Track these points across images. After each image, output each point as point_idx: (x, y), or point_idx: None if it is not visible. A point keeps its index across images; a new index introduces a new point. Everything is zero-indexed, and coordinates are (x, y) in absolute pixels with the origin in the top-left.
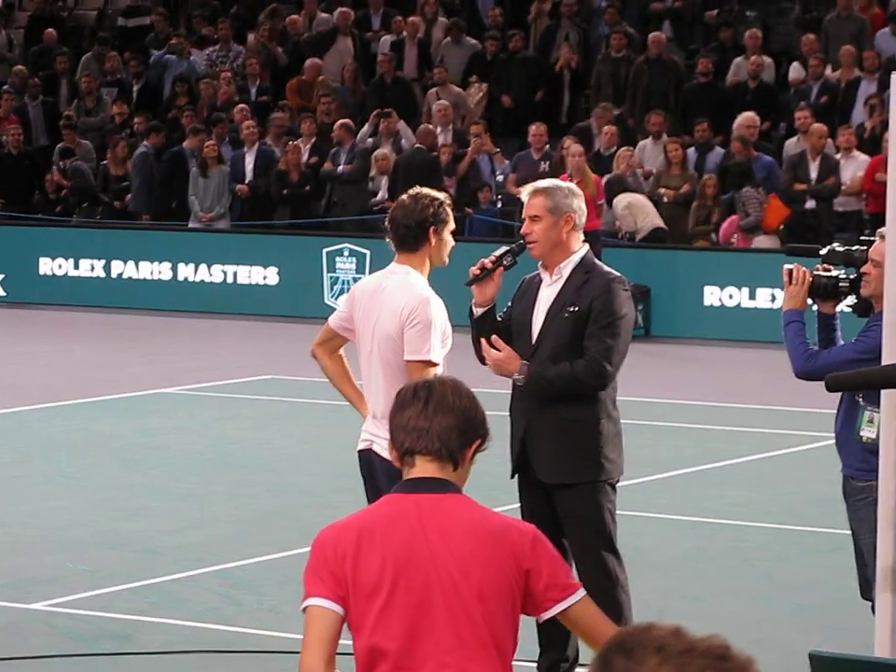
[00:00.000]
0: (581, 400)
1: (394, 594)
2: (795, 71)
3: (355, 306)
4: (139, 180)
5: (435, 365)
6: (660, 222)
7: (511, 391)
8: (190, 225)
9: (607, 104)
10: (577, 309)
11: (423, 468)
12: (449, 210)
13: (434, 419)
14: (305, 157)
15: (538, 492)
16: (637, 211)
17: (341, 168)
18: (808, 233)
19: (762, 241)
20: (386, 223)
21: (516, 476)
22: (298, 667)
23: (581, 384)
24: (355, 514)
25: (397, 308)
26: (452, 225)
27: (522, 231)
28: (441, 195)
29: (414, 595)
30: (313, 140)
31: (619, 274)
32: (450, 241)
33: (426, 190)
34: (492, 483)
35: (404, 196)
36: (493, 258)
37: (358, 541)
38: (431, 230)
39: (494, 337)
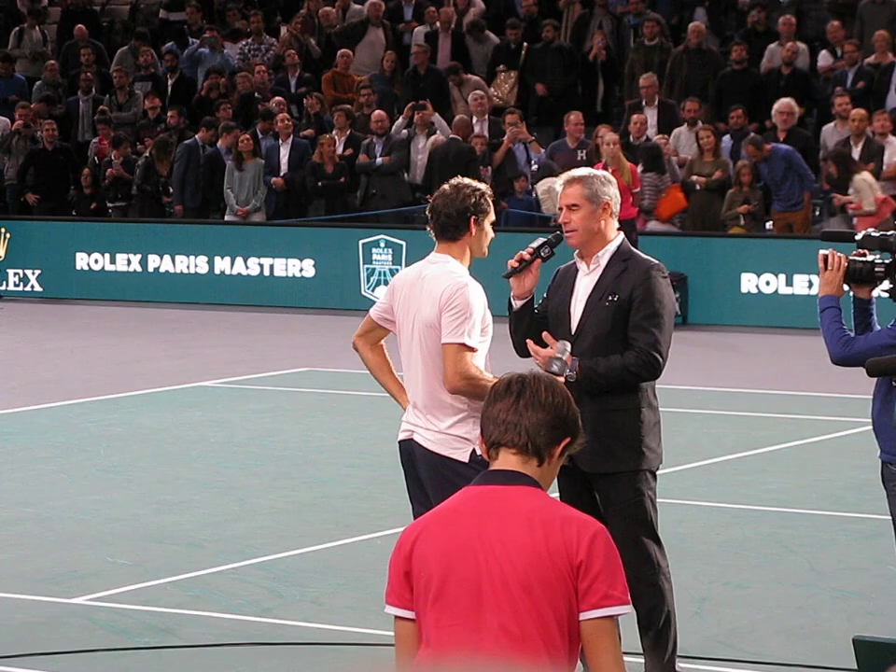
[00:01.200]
0: (624, 390)
1: (446, 584)
2: (824, 58)
3: (395, 297)
4: (183, 174)
5: (471, 350)
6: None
7: None
8: (227, 218)
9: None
10: (617, 298)
11: (505, 460)
12: (490, 201)
13: (524, 413)
14: (340, 149)
15: (578, 481)
16: (556, 195)
17: (379, 160)
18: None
19: (654, 226)
20: (427, 212)
21: None
22: None
23: (634, 376)
24: (431, 510)
25: (436, 295)
26: (493, 216)
27: (560, 221)
28: (483, 186)
29: (464, 585)
30: (347, 132)
31: (657, 262)
32: (490, 232)
33: (467, 180)
34: None
35: (446, 185)
36: (530, 249)
37: (420, 535)
38: (472, 219)
39: (544, 333)
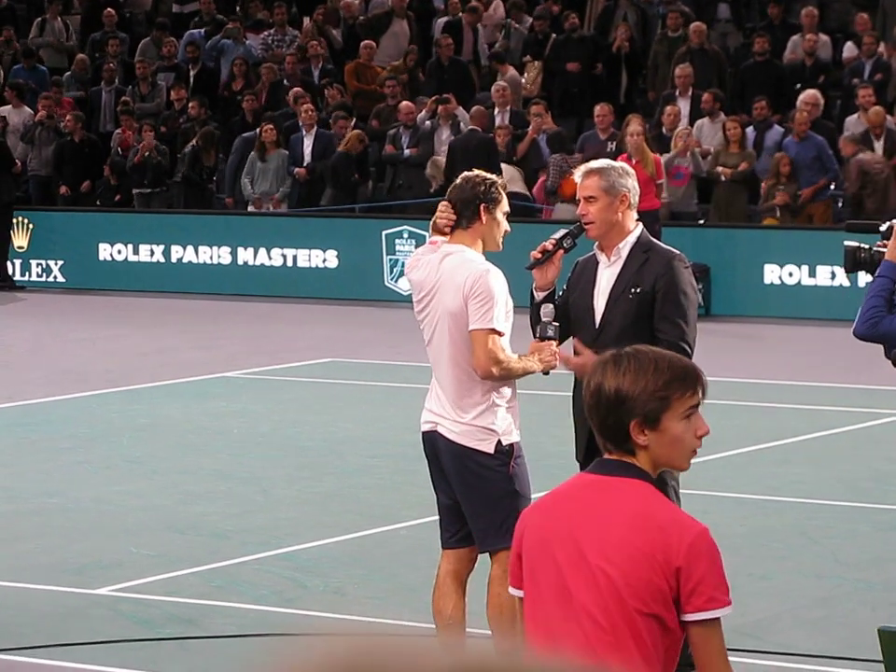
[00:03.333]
0: None
1: (539, 569)
2: (849, 50)
3: (421, 274)
4: (237, 166)
5: (499, 333)
6: (519, 188)
7: (571, 390)
8: (249, 209)
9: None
10: (640, 289)
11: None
12: (502, 191)
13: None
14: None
15: None
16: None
17: (407, 152)
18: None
19: (561, 208)
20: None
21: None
22: None
23: None
24: (548, 493)
25: (459, 284)
26: (505, 206)
27: (578, 212)
28: (495, 177)
29: (555, 572)
30: (372, 123)
31: (678, 252)
32: (504, 223)
33: (479, 172)
34: (556, 463)
35: (458, 178)
36: (553, 240)
37: (529, 518)
38: (482, 207)
39: (575, 341)
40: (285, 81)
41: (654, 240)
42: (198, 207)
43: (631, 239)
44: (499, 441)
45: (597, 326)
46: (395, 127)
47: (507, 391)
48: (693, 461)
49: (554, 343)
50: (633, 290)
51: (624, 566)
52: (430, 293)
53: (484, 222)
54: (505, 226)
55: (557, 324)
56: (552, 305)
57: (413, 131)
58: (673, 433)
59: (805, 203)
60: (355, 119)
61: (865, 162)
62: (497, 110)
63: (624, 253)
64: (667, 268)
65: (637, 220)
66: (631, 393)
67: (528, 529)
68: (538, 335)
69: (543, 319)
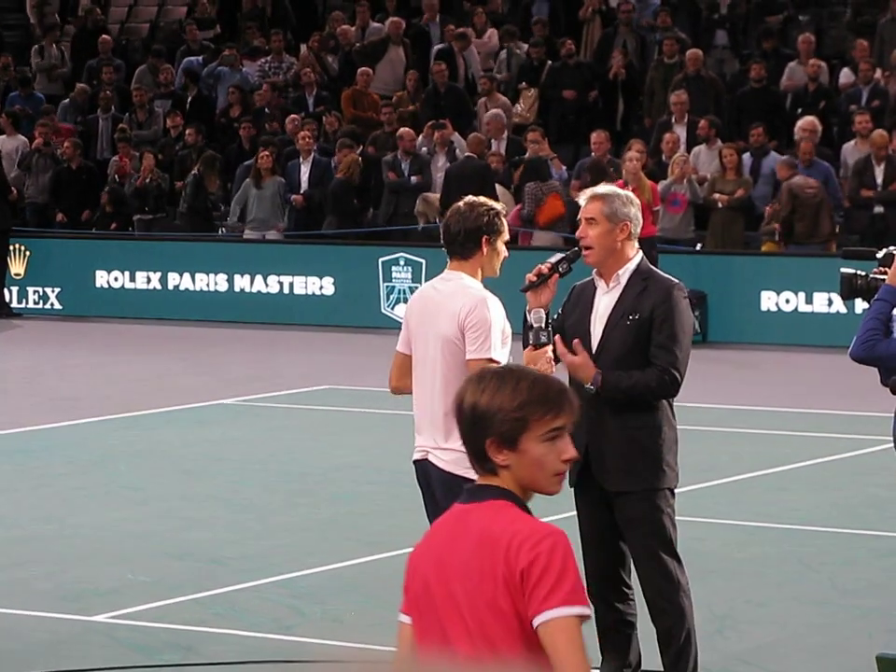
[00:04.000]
0: (645, 408)
1: (421, 610)
2: (845, 76)
3: (410, 315)
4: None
5: (497, 363)
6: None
7: None
8: (246, 236)
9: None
10: (638, 317)
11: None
12: (504, 220)
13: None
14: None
15: (597, 498)
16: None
17: (414, 179)
18: (883, 238)
19: (539, 236)
20: (441, 230)
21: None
22: None
23: (654, 393)
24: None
25: (455, 311)
26: (506, 236)
27: (577, 235)
28: (498, 205)
29: (432, 613)
30: (369, 149)
31: (677, 281)
32: (503, 251)
33: (482, 199)
34: None
35: (460, 203)
36: (548, 264)
37: (414, 556)
38: (484, 239)
39: (576, 342)
40: (265, 110)
41: (654, 268)
42: (204, 234)
43: (631, 266)
44: None
45: (594, 351)
46: (391, 154)
47: None
48: (690, 488)
49: (549, 347)
50: (631, 317)
51: (477, 591)
52: (422, 316)
53: (485, 253)
54: (504, 253)
55: (550, 330)
56: (542, 311)
57: (414, 158)
58: (532, 455)
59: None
60: (361, 147)
61: (796, 186)
62: (492, 138)
63: (624, 280)
64: (666, 297)
65: (638, 249)
66: (487, 411)
67: (410, 568)
68: (531, 342)
69: (535, 325)
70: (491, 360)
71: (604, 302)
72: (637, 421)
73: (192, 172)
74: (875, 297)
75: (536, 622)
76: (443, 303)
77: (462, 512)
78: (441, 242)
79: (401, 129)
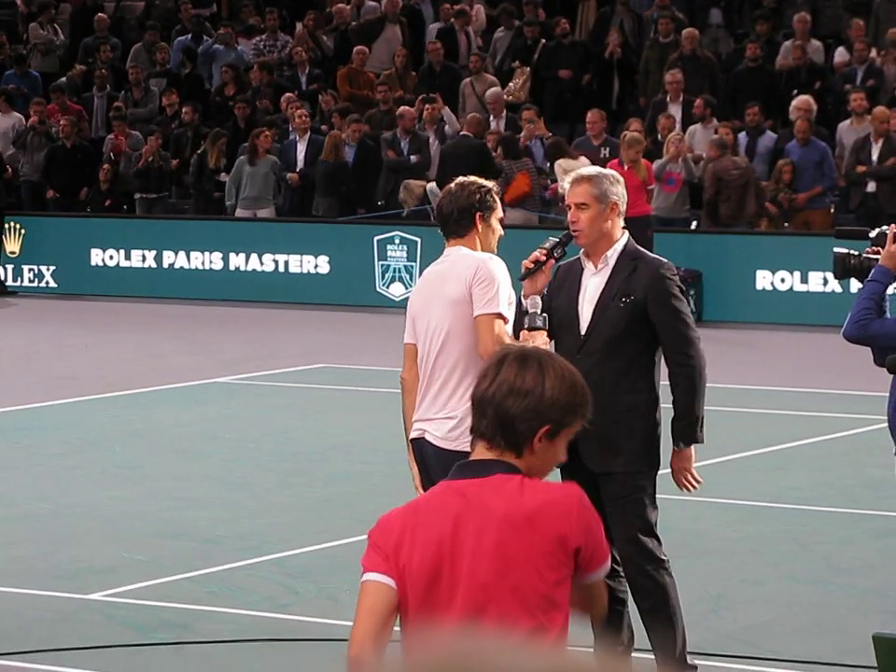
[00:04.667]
0: (632, 390)
1: (431, 588)
2: (840, 55)
3: (414, 299)
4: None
5: (504, 319)
6: None
7: None
8: (238, 214)
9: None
10: (632, 298)
11: (479, 451)
12: (496, 198)
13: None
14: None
15: (582, 478)
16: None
17: (414, 158)
18: (877, 217)
19: (511, 214)
20: (435, 213)
21: None
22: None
23: (703, 382)
24: (410, 501)
25: (461, 273)
26: (500, 213)
27: (569, 220)
28: (490, 183)
29: (445, 591)
30: (364, 128)
31: (665, 260)
32: (498, 229)
33: (473, 178)
34: None
35: (452, 184)
36: (543, 250)
37: (403, 530)
38: (478, 216)
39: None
40: (260, 89)
41: (641, 248)
42: (209, 214)
43: (618, 247)
44: None
45: (583, 333)
46: (389, 132)
47: None
48: None
49: (544, 332)
50: (623, 300)
51: (505, 570)
52: (424, 293)
53: (480, 230)
54: (500, 231)
55: (545, 315)
56: (538, 297)
57: (413, 136)
58: (555, 449)
59: (800, 207)
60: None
61: (721, 168)
62: (491, 118)
63: (612, 261)
64: (659, 278)
65: (623, 228)
66: (551, 399)
67: (398, 541)
68: (526, 325)
69: (531, 310)
70: (500, 315)
71: (593, 284)
72: (624, 403)
73: (197, 152)
74: (869, 277)
75: (589, 580)
76: (447, 272)
77: (466, 487)
78: (438, 224)
79: (402, 108)
